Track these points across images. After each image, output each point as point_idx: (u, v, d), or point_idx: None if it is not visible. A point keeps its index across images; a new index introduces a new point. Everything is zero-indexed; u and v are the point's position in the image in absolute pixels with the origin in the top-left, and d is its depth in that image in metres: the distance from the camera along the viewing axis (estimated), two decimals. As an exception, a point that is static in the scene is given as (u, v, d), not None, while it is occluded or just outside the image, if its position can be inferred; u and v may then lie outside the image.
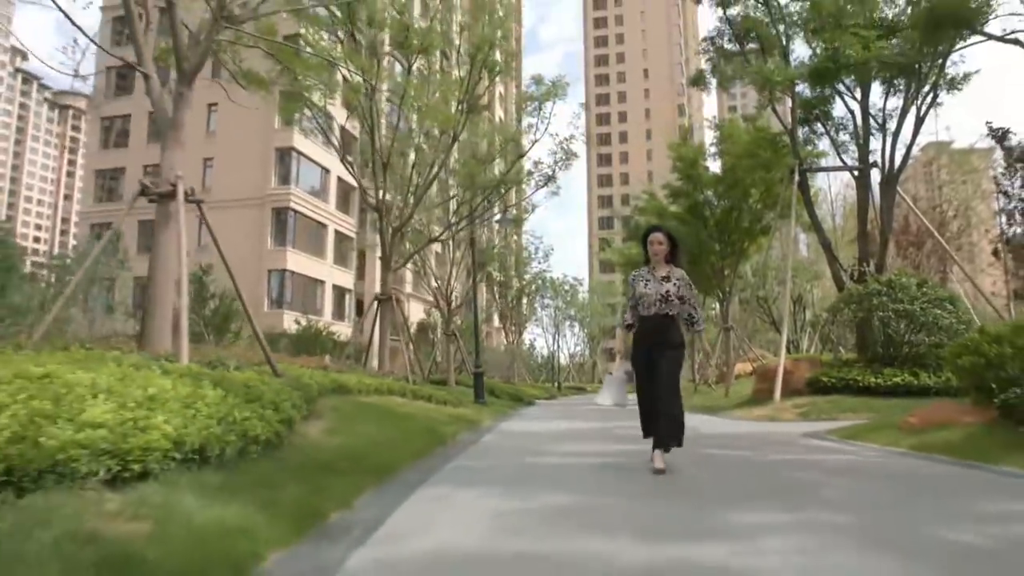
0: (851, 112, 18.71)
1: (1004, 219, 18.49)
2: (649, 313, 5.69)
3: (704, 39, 22.15)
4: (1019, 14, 14.43)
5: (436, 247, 30.39)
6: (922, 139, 42.71)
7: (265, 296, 40.27)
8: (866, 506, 4.07)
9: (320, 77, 15.81)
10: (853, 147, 19.08)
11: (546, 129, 23.34)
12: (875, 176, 18.56)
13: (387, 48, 20.47)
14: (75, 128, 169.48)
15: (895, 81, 17.33)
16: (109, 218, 44.56)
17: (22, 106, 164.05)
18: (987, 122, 16.41)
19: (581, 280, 74.58)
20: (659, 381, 5.54)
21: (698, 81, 23.33)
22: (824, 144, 21.02)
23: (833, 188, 40.77)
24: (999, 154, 19.39)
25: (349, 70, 17.98)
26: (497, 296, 52.68)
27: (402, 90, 19.84)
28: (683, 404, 5.80)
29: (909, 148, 18.07)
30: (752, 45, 20.51)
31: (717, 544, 3.03)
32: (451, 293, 30.22)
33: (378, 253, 20.39)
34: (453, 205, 26.91)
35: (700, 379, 36.56)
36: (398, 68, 23.02)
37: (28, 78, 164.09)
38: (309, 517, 3.57)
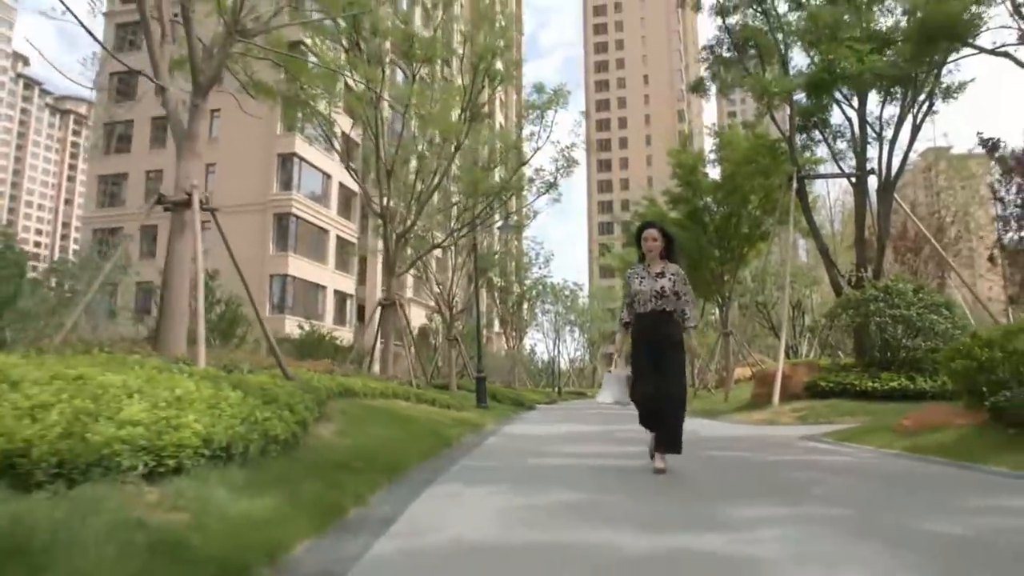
0: (848, 120, 18.97)
1: (1000, 225, 18.70)
2: (645, 310, 5.67)
3: (703, 48, 22.42)
4: (1009, 27, 14.71)
5: (437, 252, 30.62)
6: (920, 145, 42.99)
7: (267, 301, 40.45)
8: (857, 502, 4.29)
9: (325, 86, 16.05)
10: (851, 154, 19.36)
11: (548, 137, 23.63)
12: (872, 183, 18.82)
13: (390, 57, 20.73)
14: (76, 133, 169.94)
15: (892, 90, 17.59)
16: (111, 223, 44.83)
17: (23, 111, 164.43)
18: (978, 132, 16.64)
19: (581, 285, 75.01)
20: (665, 388, 5.53)
21: (698, 88, 23.64)
22: (822, 151, 21.29)
23: (832, 194, 41.08)
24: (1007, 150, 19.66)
25: (355, 80, 18.24)
26: (498, 301, 52.89)
27: (406, 98, 20.09)
28: (684, 411, 5.80)
29: (906, 155, 18.36)
30: (752, 51, 20.76)
31: (714, 534, 3.24)
32: (453, 298, 30.43)
33: (380, 258, 20.61)
34: (455, 211, 27.15)
35: (700, 384, 36.76)
36: (400, 76, 23.30)
37: (29, 83, 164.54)
38: (329, 511, 3.78)
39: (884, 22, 17.65)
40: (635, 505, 4.20)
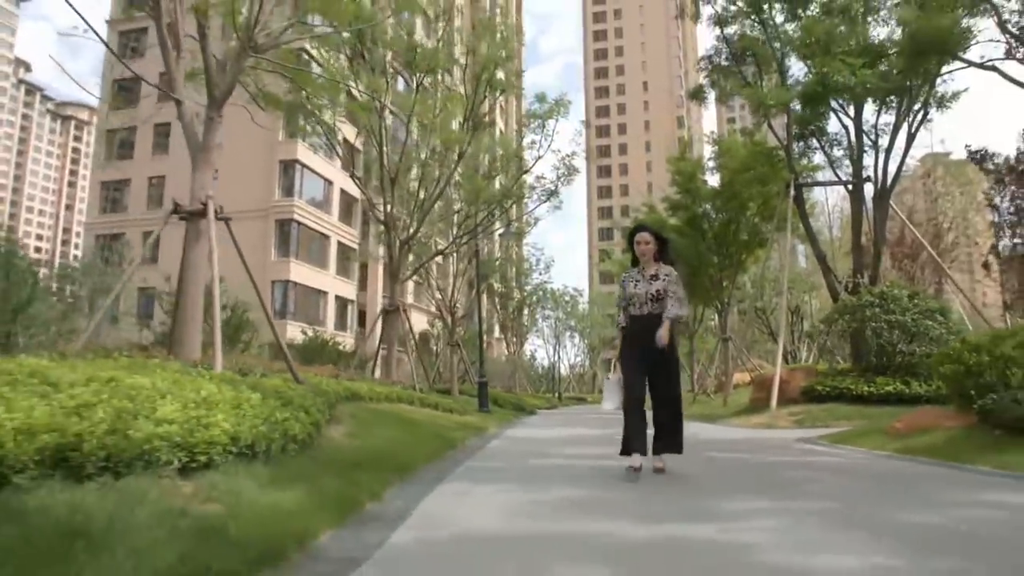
0: (845, 128, 19.25)
1: (995, 232, 19.00)
2: (641, 313, 5.61)
3: (702, 57, 22.74)
4: (997, 40, 15.02)
5: (438, 259, 30.89)
6: (918, 152, 43.28)
7: (269, 307, 40.68)
8: (844, 497, 4.54)
9: (330, 96, 16.34)
10: (847, 162, 19.63)
11: (549, 146, 23.92)
12: (869, 190, 19.11)
13: (392, 68, 21.02)
14: (77, 139, 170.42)
15: (887, 99, 17.88)
16: (114, 229, 45.08)
17: (24, 116, 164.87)
18: (966, 145, 16.96)
19: (581, 291, 75.27)
20: (663, 391, 5.59)
21: (697, 96, 23.96)
22: (819, 158, 21.55)
23: (830, 200, 41.29)
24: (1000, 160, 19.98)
25: (359, 90, 18.54)
26: (498, 307, 53.15)
27: (409, 107, 20.38)
28: (682, 414, 5.80)
29: (901, 163, 18.64)
30: (750, 60, 21.05)
31: (709, 524, 3.50)
32: (454, 304, 30.69)
33: (381, 264, 20.89)
34: (456, 218, 27.42)
35: (699, 388, 37.02)
36: (401, 84, 23.60)
37: (31, 89, 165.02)
38: (348, 505, 4.03)
39: (879, 33, 17.97)
40: (635, 500, 4.45)
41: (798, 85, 18.84)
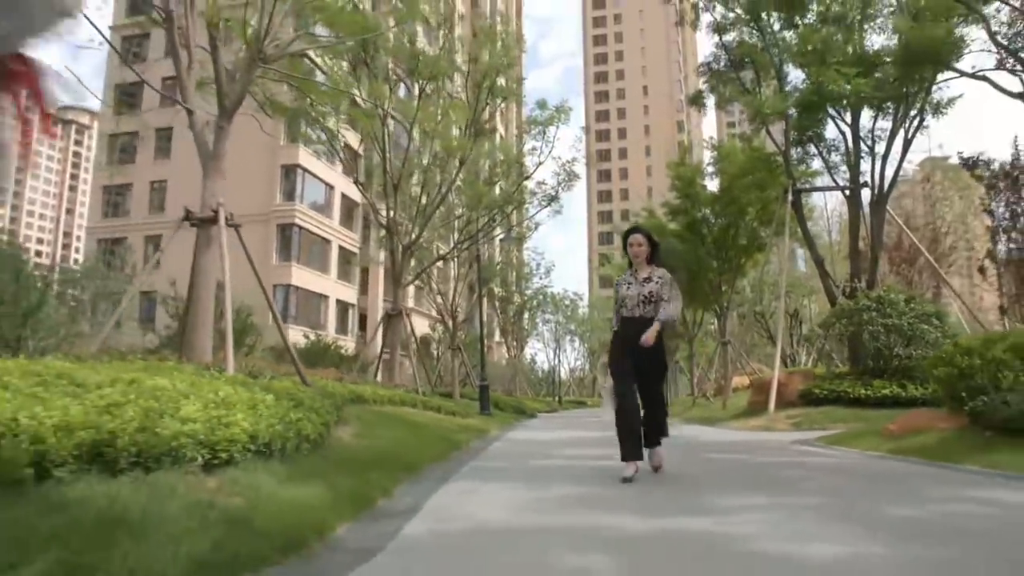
0: (842, 134, 19.47)
1: (991, 236, 19.21)
2: (634, 315, 5.60)
3: (701, 64, 22.99)
4: (989, 50, 15.25)
5: (439, 263, 31.11)
6: (917, 156, 43.43)
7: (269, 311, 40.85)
8: (835, 494, 4.74)
9: (334, 103, 16.56)
10: (845, 167, 19.84)
11: (550, 152, 24.18)
12: (866, 195, 19.29)
13: (395, 75, 21.26)
14: (77, 143, 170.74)
15: (884, 106, 18.10)
16: (115, 233, 45.31)
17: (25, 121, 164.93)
18: (959, 152, 17.21)
19: (581, 295, 75.43)
20: (646, 389, 5.58)
21: (696, 102, 24.23)
22: (817, 164, 21.78)
23: (829, 204, 41.46)
24: (995, 166, 20.23)
25: (363, 98, 18.77)
26: (499, 311, 53.32)
27: (411, 114, 20.61)
28: (667, 411, 5.88)
29: (897, 169, 18.84)
30: (748, 65, 21.27)
31: (705, 517, 3.69)
32: (455, 308, 30.88)
33: (382, 268, 21.09)
34: (458, 224, 27.64)
35: (699, 392, 37.19)
36: (403, 90, 23.83)
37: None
38: (361, 500, 4.23)
39: (876, 41, 18.23)
40: (636, 497, 4.64)
41: (796, 92, 19.07)
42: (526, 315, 58.15)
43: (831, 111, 18.53)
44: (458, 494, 4.89)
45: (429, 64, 19.51)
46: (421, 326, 46.46)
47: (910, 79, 16.16)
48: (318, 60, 18.65)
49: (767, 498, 4.47)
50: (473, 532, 3.53)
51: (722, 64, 21.71)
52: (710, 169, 29.57)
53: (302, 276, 42.72)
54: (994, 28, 14.52)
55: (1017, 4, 14.21)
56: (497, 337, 59.29)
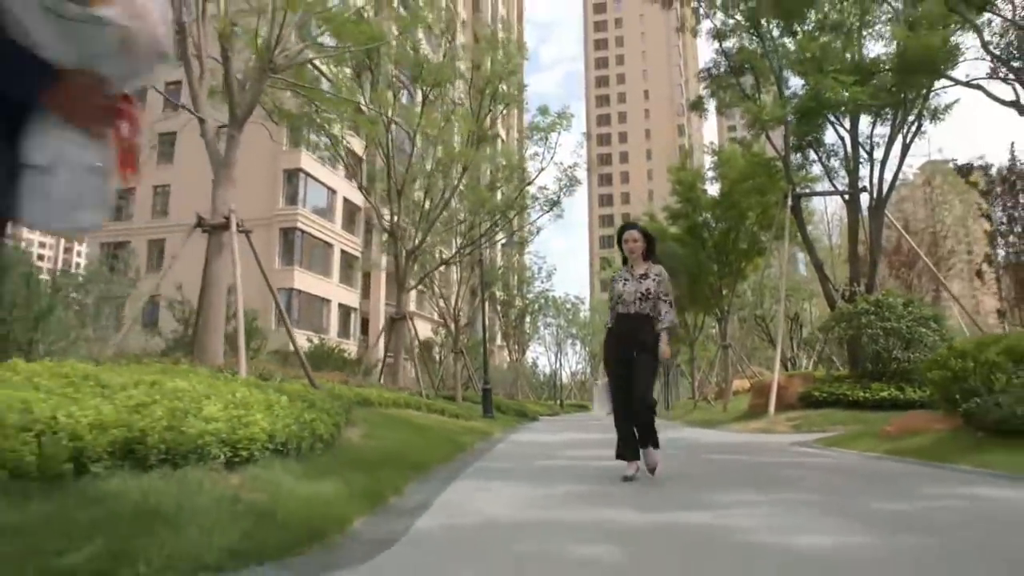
0: (841, 139, 19.71)
1: (989, 240, 19.40)
2: (629, 312, 5.55)
3: (702, 70, 23.21)
4: (983, 59, 15.47)
5: (441, 267, 31.32)
6: (917, 160, 43.59)
7: (272, 314, 41.07)
8: (830, 491, 4.92)
9: (339, 111, 16.76)
10: (844, 172, 20.03)
11: (552, 158, 24.38)
12: (865, 200, 19.49)
13: (400, 82, 21.49)
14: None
15: (882, 111, 18.31)
16: (119, 237, 45.53)
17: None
18: (952, 159, 17.45)
19: (583, 299, 75.70)
20: (634, 388, 5.45)
21: (697, 107, 24.44)
22: (816, 169, 21.96)
23: (830, 208, 41.73)
24: (993, 172, 20.45)
25: (367, 106, 19.01)
26: (500, 315, 53.51)
27: (415, 120, 20.83)
28: (655, 411, 5.71)
29: (896, 174, 19.06)
30: (748, 71, 21.46)
31: (703, 512, 3.88)
32: (458, 312, 31.07)
33: (384, 272, 21.29)
34: (461, 228, 27.85)
35: (700, 395, 37.34)
36: (405, 95, 24.06)
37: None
38: (375, 497, 4.41)
39: (874, 48, 18.48)
40: (637, 494, 4.82)
41: (795, 98, 19.27)
42: (527, 319, 58.34)
43: (830, 117, 18.73)
44: (466, 492, 5.07)
45: (433, 71, 19.74)
46: (423, 330, 46.68)
47: (907, 86, 16.39)
48: (323, 68, 18.89)
49: (764, 495, 4.65)
50: (483, 526, 3.71)
51: (722, 70, 21.93)
52: (711, 174, 29.81)
53: (305, 280, 42.90)
54: (987, 38, 14.76)
55: (1008, 15, 14.46)
56: (499, 341, 59.49)
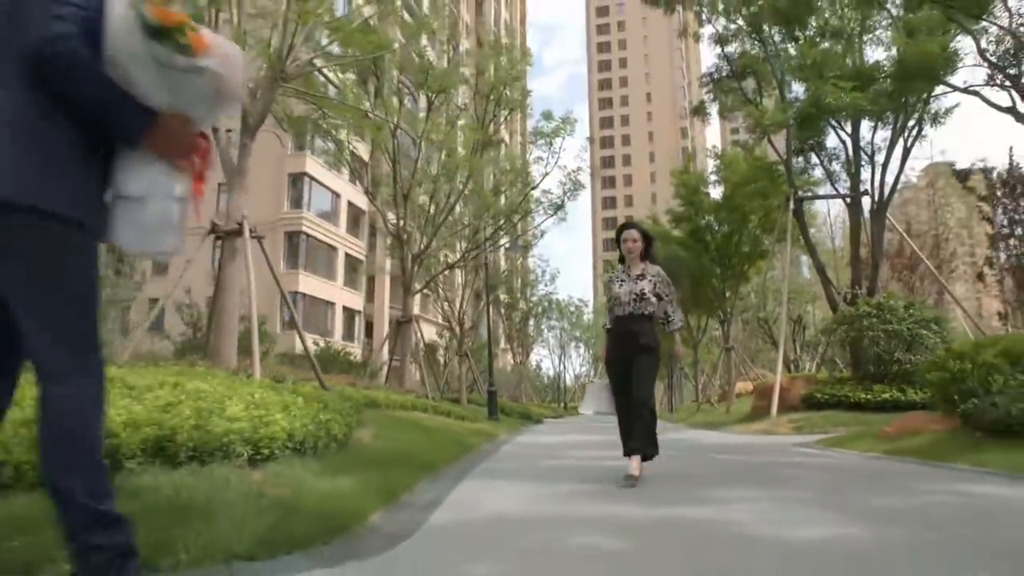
0: (843, 143, 19.83)
1: (991, 243, 19.53)
2: (624, 313, 5.49)
3: (704, 74, 23.39)
4: (981, 65, 15.65)
5: (445, 271, 31.52)
6: (920, 163, 43.70)
7: (278, 318, 41.30)
8: (827, 488, 5.09)
9: (346, 118, 16.96)
10: (846, 176, 20.17)
11: (556, 162, 24.57)
12: (867, 203, 19.63)
13: (406, 88, 21.72)
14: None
15: (884, 116, 18.45)
16: (122, 240, 45.75)
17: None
18: (951, 164, 17.61)
19: (586, 301, 75.80)
20: (633, 391, 5.39)
21: (699, 112, 24.62)
22: (818, 173, 22.09)
23: (832, 211, 41.80)
24: (994, 175, 20.61)
25: (373, 113, 19.22)
26: (504, 318, 53.68)
27: (420, 125, 21.05)
28: (656, 413, 5.62)
29: (897, 177, 19.18)
30: (750, 75, 21.63)
31: (704, 507, 4.06)
32: (463, 315, 31.26)
33: (388, 276, 21.46)
34: (466, 232, 28.04)
35: (703, 398, 37.46)
36: (409, 100, 24.29)
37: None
38: (388, 493, 4.59)
39: (875, 53, 18.66)
40: (640, 491, 4.99)
41: (797, 102, 19.41)
42: (531, 321, 58.48)
43: (831, 122, 18.88)
44: (475, 490, 5.25)
45: (438, 77, 19.96)
46: (428, 333, 46.87)
47: (906, 92, 16.56)
48: (330, 74, 19.10)
49: (764, 492, 4.82)
50: (492, 521, 3.89)
51: (724, 74, 22.11)
52: (713, 177, 29.97)
53: (309, 283, 43.10)
54: (983, 45, 14.94)
55: (1004, 23, 14.64)
56: (503, 344, 59.64)
